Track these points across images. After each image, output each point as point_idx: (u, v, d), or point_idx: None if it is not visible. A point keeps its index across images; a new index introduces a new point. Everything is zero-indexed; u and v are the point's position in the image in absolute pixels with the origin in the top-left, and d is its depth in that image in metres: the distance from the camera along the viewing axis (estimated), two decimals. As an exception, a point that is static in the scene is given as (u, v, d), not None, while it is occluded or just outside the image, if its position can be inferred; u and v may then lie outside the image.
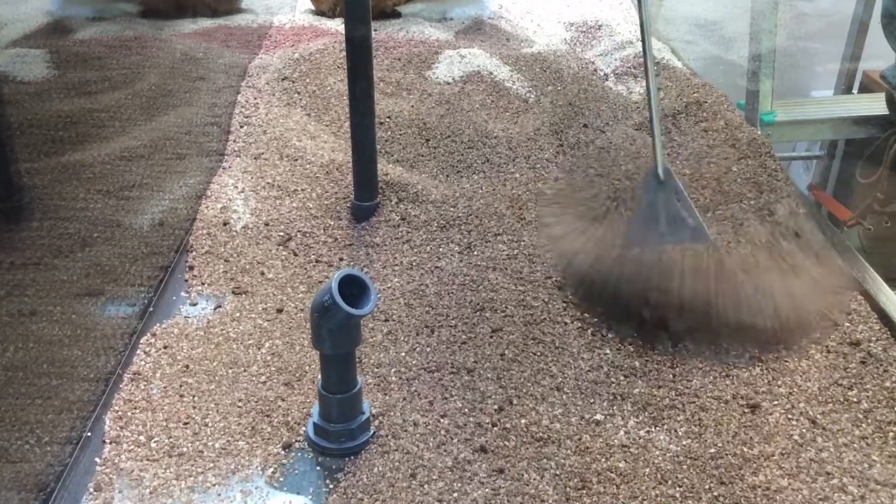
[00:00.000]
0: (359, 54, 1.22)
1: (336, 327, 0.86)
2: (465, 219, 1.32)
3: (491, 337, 1.06)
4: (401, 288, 1.17)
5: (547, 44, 2.03)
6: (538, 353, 1.04)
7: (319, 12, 2.16)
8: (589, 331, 1.09)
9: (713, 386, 1.00)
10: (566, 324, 1.10)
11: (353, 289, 0.87)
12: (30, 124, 1.35)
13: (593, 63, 1.95)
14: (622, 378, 1.01)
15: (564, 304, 1.13)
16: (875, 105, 2.10)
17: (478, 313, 1.10)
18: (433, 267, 1.21)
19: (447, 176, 1.47)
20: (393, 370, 1.01)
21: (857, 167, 2.26)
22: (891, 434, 0.92)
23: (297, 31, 2.06)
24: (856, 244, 2.09)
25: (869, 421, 0.94)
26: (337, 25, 2.06)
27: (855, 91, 2.54)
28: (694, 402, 0.97)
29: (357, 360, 0.95)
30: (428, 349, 1.05)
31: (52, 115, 1.42)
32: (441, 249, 1.25)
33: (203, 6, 2.05)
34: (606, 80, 1.87)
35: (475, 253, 1.24)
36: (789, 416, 0.95)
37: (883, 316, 1.10)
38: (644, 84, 1.76)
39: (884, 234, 2.08)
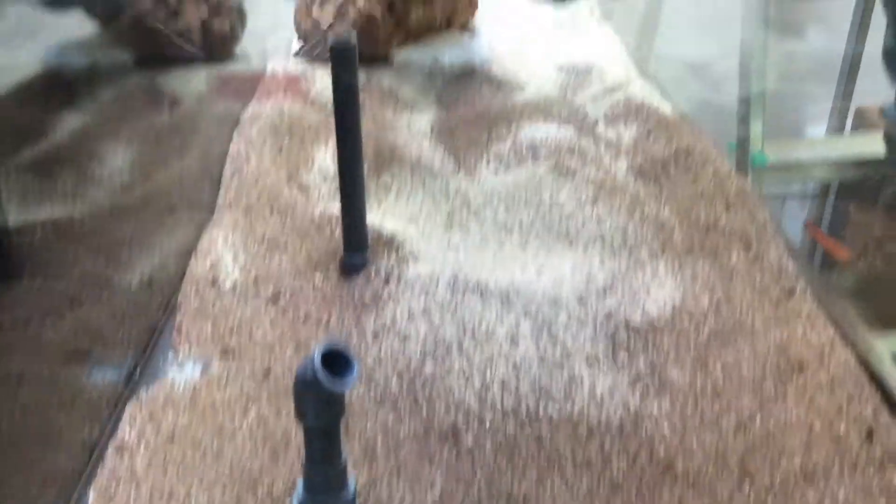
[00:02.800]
0: (347, 117, 1.23)
1: (318, 401, 0.86)
2: (455, 275, 1.32)
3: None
4: (388, 349, 1.16)
5: (537, 88, 2.04)
6: (525, 417, 1.04)
7: (313, 58, 2.17)
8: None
9: None
10: (554, 385, 1.09)
11: (337, 359, 0.87)
12: (18, 177, 1.36)
13: (584, 107, 1.96)
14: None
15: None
16: (869, 145, 2.10)
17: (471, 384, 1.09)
18: (421, 327, 1.20)
19: (439, 226, 1.47)
20: (379, 438, 1.01)
21: (852, 206, 2.27)
22: None
23: (291, 78, 2.07)
24: (851, 285, 2.09)
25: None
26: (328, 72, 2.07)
27: (848, 126, 2.55)
28: None
29: (343, 428, 0.94)
30: (414, 415, 1.04)
31: (42, 168, 1.43)
32: (434, 307, 1.25)
33: (197, 53, 2.06)
34: (597, 124, 1.88)
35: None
36: None
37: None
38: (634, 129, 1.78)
39: (881, 274, 2.08)
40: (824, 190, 2.51)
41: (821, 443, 0.98)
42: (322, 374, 0.83)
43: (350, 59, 1.20)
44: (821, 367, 1.10)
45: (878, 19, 2.08)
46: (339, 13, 2.04)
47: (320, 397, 0.85)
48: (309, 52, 2.12)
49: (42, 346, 1.11)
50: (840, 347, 1.13)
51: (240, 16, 2.16)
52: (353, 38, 1.17)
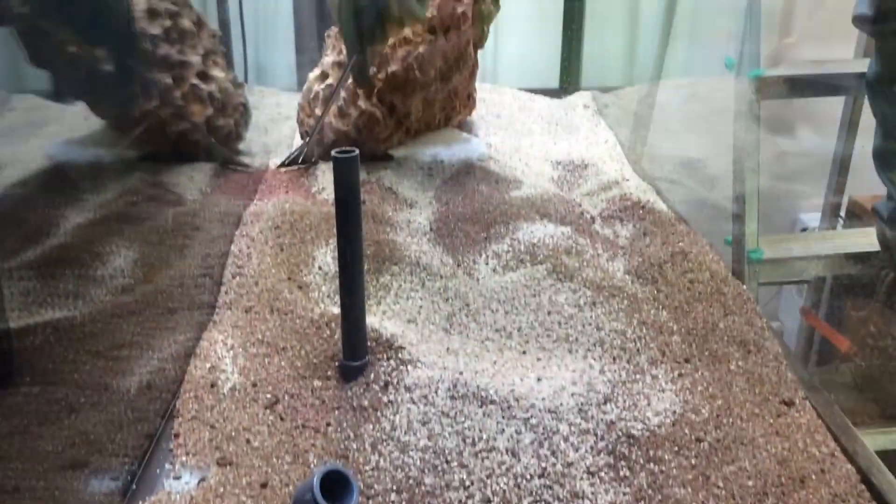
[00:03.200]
0: (348, 228, 1.24)
1: (318, 525, 0.85)
2: (455, 381, 1.31)
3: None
4: (387, 459, 1.15)
5: (534, 184, 2.08)
6: (526, 534, 1.02)
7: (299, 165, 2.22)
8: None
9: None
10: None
11: (336, 481, 0.87)
12: (16, 278, 1.37)
13: (580, 205, 1.99)
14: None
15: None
16: (862, 240, 2.13)
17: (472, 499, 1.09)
18: (421, 437, 1.20)
19: (438, 328, 1.47)
20: (378, 557, 0.99)
21: (848, 298, 2.29)
22: None
23: (293, 176, 2.11)
24: (849, 381, 2.10)
25: None
26: (331, 168, 2.11)
27: (842, 214, 2.59)
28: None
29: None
30: (414, 530, 1.03)
31: (41, 268, 1.44)
32: (434, 415, 1.24)
33: (201, 150, 2.10)
34: (593, 222, 1.91)
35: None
36: None
37: None
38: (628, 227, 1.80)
39: (878, 370, 2.09)
40: (821, 279, 2.54)
41: (826, 564, 0.97)
42: (321, 500, 0.82)
43: (352, 170, 1.23)
44: (822, 481, 1.09)
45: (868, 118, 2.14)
46: (341, 112, 2.09)
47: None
48: (293, 162, 2.17)
49: (38, 457, 1.10)
50: (841, 461, 1.12)
51: (244, 112, 2.21)
52: (356, 152, 1.20)
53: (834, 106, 2.38)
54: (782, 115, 2.47)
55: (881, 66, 1.44)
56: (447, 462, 1.12)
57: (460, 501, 1.06)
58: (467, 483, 1.09)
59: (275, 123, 2.58)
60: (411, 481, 1.10)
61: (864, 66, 1.77)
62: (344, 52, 2.11)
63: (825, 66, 2.21)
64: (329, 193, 1.96)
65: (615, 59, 3.17)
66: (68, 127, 2.17)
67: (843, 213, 2.58)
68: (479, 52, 2.29)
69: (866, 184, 2.28)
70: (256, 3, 2.93)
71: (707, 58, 2.79)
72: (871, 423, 2.05)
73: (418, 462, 1.13)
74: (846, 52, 2.42)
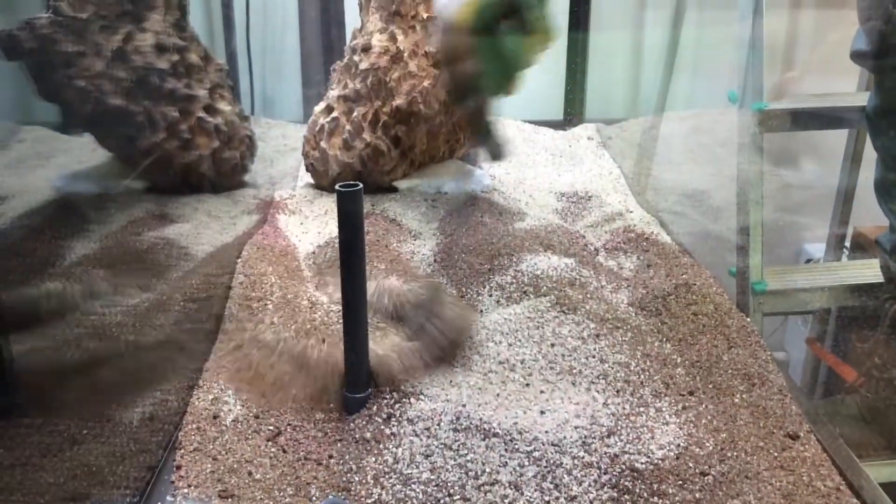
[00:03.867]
0: (351, 259, 1.25)
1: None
2: (458, 414, 1.31)
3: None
4: (389, 492, 1.15)
5: (538, 216, 2.09)
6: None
7: (319, 187, 2.23)
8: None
9: None
10: (558, 534, 1.07)
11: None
12: (20, 309, 1.37)
13: (584, 237, 1.99)
14: None
15: (556, 511, 1.11)
16: (867, 272, 2.13)
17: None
18: (424, 470, 1.19)
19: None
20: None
21: (853, 329, 2.28)
22: None
23: (296, 207, 2.12)
24: (855, 412, 2.08)
25: None
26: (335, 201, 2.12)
27: (847, 245, 2.58)
28: None
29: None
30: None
31: (44, 299, 1.45)
32: (436, 449, 1.24)
33: (206, 182, 2.12)
34: (597, 254, 1.91)
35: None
36: None
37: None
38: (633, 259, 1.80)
39: (883, 401, 2.07)
40: (825, 310, 2.52)
41: None
42: (323, 534, 0.82)
43: (356, 201, 1.23)
44: (829, 517, 1.08)
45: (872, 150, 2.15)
46: (346, 145, 2.10)
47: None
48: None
49: (41, 489, 1.10)
50: (847, 495, 1.11)
51: (250, 145, 2.23)
52: (360, 186, 1.21)
53: (837, 138, 2.39)
54: (786, 147, 2.48)
55: (880, 100, 1.46)
56: (449, 495, 1.11)
57: (463, 536, 1.06)
58: (470, 517, 1.08)
59: (280, 155, 2.60)
60: (413, 515, 1.09)
61: (865, 99, 1.78)
62: (349, 86, 2.13)
63: (828, 98, 2.22)
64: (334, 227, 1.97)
65: (619, 92, 3.19)
66: (75, 159, 2.20)
67: (847, 245, 2.58)
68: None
69: (871, 215, 2.28)
70: (264, 37, 2.97)
71: (710, 91, 2.81)
72: (877, 455, 2.03)
73: (420, 495, 1.13)
74: (849, 86, 2.43)
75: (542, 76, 3.07)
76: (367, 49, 2.10)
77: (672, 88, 2.61)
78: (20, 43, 1.81)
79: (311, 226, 2.03)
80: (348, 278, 1.27)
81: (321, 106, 2.22)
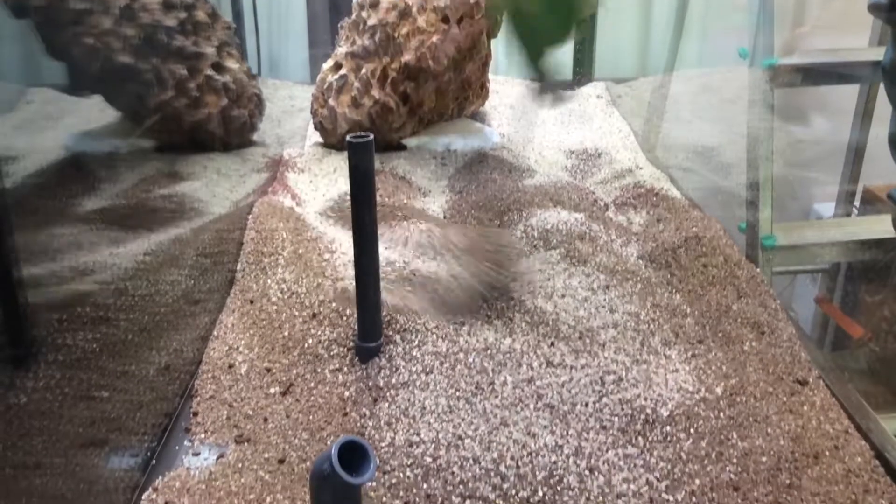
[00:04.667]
0: (362, 208, 1.25)
1: (335, 495, 0.86)
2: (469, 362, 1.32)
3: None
4: (402, 437, 1.16)
5: (547, 173, 2.09)
6: (541, 509, 1.03)
7: (328, 145, 2.23)
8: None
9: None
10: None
11: (354, 453, 0.88)
12: (41, 266, 1.39)
13: (594, 193, 1.99)
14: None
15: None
16: (877, 227, 2.12)
17: (487, 474, 1.09)
18: (437, 415, 1.21)
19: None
20: (394, 530, 1.00)
21: (863, 283, 2.28)
22: None
23: (305, 165, 2.13)
24: (864, 366, 2.09)
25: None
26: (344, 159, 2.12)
27: (857, 203, 2.57)
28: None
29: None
30: (429, 505, 1.04)
31: (60, 253, 1.47)
32: (447, 394, 1.25)
33: (215, 140, 2.12)
34: (607, 209, 1.91)
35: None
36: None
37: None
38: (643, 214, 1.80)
39: (893, 356, 2.08)
40: (835, 268, 2.52)
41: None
42: (340, 469, 0.83)
43: (367, 152, 1.24)
44: (836, 457, 1.09)
45: (882, 107, 2.13)
46: (355, 102, 2.10)
47: (337, 491, 0.85)
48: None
49: (60, 435, 1.12)
50: (855, 438, 1.13)
51: (258, 103, 2.23)
52: (370, 136, 1.21)
53: (848, 95, 2.36)
54: (796, 103, 2.46)
55: (897, 53, 1.44)
56: (460, 438, 1.13)
57: (474, 475, 1.07)
58: (481, 459, 1.10)
59: (288, 115, 2.60)
60: (427, 457, 1.11)
61: (878, 54, 1.76)
62: (357, 42, 2.12)
63: (839, 54, 2.19)
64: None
65: (628, 51, 3.17)
66: (84, 119, 2.20)
67: (857, 203, 2.57)
68: (493, 43, 2.30)
69: (881, 173, 2.27)
70: (270, -4, 2.96)
71: (720, 48, 2.79)
72: (886, 408, 2.04)
73: (434, 438, 1.14)
74: (860, 41, 2.41)
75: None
76: (375, 5, 2.09)
77: (682, 46, 2.59)
78: (28, 1, 1.81)
79: (320, 183, 2.03)
80: (359, 228, 1.27)
81: (329, 63, 2.21)
